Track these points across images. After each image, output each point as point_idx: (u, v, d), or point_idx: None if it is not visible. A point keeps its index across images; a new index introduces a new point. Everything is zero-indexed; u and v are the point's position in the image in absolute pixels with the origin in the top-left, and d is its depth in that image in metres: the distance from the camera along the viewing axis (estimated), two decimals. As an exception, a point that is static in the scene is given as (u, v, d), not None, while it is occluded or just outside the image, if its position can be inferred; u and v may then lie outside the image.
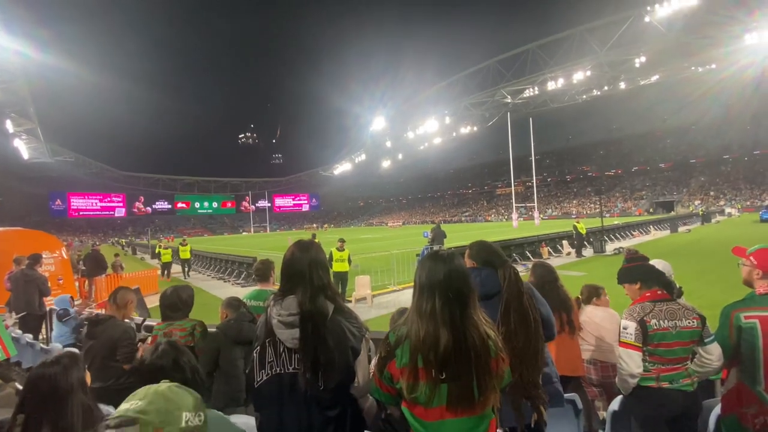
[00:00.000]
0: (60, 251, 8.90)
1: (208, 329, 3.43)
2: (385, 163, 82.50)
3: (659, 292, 2.06)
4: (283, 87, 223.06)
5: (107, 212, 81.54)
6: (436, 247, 13.24)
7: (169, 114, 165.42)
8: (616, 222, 23.42)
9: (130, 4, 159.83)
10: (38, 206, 72.45)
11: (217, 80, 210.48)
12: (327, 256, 7.39)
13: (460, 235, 28.58)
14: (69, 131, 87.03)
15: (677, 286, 2.39)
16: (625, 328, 2.04)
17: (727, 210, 39.96)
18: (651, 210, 49.40)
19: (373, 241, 30.03)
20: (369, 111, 68.56)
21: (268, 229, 79.73)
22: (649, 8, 34.30)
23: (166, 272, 14.87)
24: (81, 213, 78.17)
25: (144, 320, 4.34)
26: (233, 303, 2.93)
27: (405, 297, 8.52)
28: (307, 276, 1.46)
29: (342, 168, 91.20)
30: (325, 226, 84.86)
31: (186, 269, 15.15)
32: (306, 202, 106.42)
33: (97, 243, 22.60)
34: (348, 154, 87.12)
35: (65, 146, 68.08)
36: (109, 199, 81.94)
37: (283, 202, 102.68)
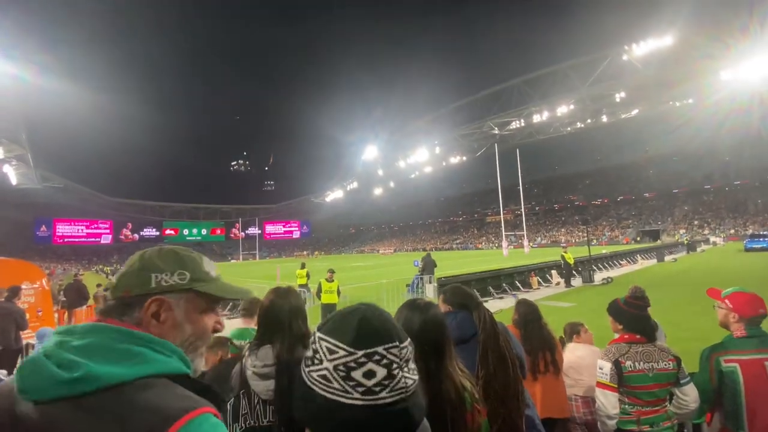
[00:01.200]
0: (41, 281, 8.66)
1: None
2: (377, 191, 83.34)
3: (638, 337, 2.09)
4: (277, 115, 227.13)
5: (93, 239, 79.86)
6: (426, 277, 13.22)
7: (160, 140, 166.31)
8: (604, 251, 23.69)
9: (124, 32, 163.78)
10: (23, 233, 70.71)
11: (209, 108, 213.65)
12: (316, 287, 7.28)
13: (452, 263, 28.59)
14: (59, 157, 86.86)
15: (654, 322, 2.41)
16: (600, 368, 2.06)
17: (712, 239, 40.78)
18: (638, 239, 50.20)
19: (363, 269, 29.79)
20: (361, 140, 70.10)
21: (257, 256, 78.65)
22: (626, 47, 36.43)
23: None
24: (66, 240, 76.43)
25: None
26: (223, 341, 2.84)
27: (394, 329, 8.40)
28: (286, 325, 1.46)
29: (334, 195, 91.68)
30: (316, 253, 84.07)
31: None
32: (297, 229, 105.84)
33: (81, 271, 21.88)
34: (340, 181, 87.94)
35: (55, 172, 67.45)
36: (95, 225, 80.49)
37: (273, 229, 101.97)
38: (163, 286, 0.73)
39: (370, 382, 0.60)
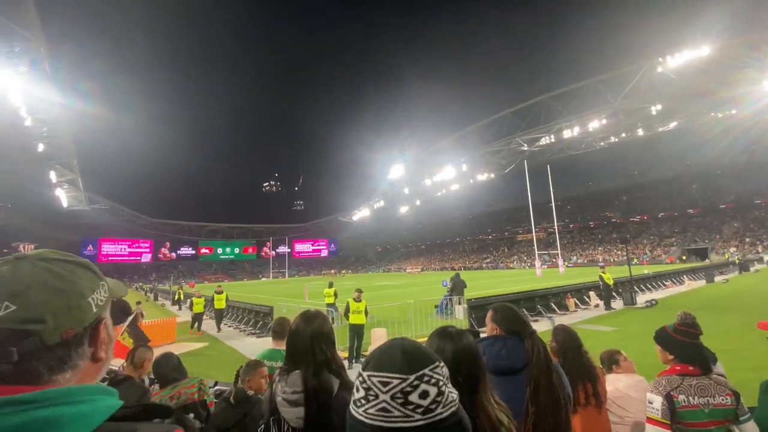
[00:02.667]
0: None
1: (223, 386, 3.37)
2: (403, 209, 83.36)
3: (691, 368, 1.93)
4: (306, 136, 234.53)
5: (134, 257, 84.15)
6: (456, 297, 12.92)
7: (197, 164, 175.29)
8: (645, 271, 22.36)
9: (162, 61, 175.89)
10: (71, 251, 73.43)
11: (243, 133, 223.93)
12: (344, 307, 7.27)
13: (482, 283, 27.87)
14: (105, 180, 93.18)
15: (711, 352, 2.21)
16: (650, 402, 1.90)
17: (766, 258, 37.67)
18: (683, 258, 47.11)
19: (390, 288, 29.56)
20: (387, 159, 70.70)
21: (287, 274, 80.00)
22: (660, 59, 35.27)
23: (197, 324, 13.22)
24: (110, 258, 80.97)
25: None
26: (256, 365, 2.86)
27: (423, 352, 8.20)
28: (311, 350, 1.45)
29: (360, 214, 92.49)
30: (343, 272, 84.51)
31: (219, 321, 13.37)
32: (325, 247, 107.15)
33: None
34: (366, 200, 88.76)
35: (101, 194, 72.33)
36: (137, 244, 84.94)
37: (302, 247, 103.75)
38: (99, 307, 0.60)
39: (426, 402, 0.66)
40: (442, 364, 0.73)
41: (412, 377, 0.67)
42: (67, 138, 41.26)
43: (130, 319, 11.40)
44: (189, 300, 15.16)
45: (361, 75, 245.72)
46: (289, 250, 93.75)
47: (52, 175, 49.79)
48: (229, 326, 13.93)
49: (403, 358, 0.70)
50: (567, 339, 2.57)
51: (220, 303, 13.39)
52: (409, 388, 0.66)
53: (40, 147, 39.63)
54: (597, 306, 13.63)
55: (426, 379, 0.68)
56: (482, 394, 1.12)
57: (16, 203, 66.30)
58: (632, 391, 2.57)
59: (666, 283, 19.79)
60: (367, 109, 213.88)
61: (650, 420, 1.86)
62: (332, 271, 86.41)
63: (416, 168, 67.15)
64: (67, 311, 0.54)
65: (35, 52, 26.15)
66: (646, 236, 57.73)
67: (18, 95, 28.10)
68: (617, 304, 13.97)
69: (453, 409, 0.69)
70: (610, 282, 13.60)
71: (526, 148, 53.66)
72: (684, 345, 1.98)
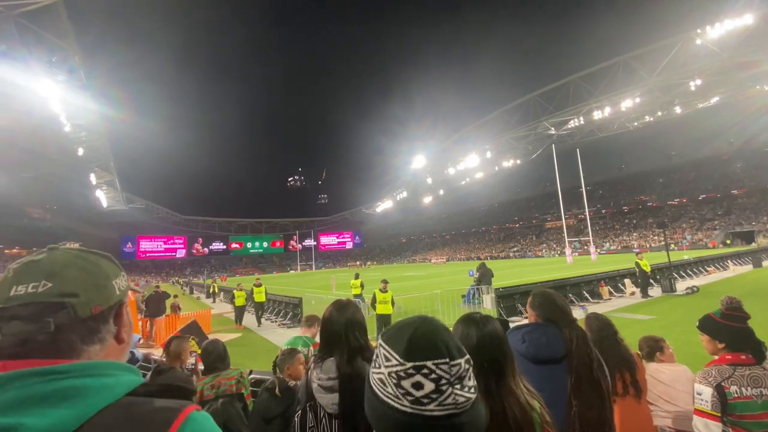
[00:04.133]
0: (130, 294, 9.65)
1: (257, 375, 3.50)
2: (427, 199, 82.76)
3: (743, 357, 1.81)
4: (329, 129, 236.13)
5: (170, 253, 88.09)
6: (483, 287, 12.77)
7: (225, 162, 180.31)
8: (686, 256, 21.25)
9: (188, 63, 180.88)
10: (112, 249, 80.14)
11: (270, 131, 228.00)
12: (370, 297, 7.39)
13: (510, 272, 27.40)
14: (140, 180, 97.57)
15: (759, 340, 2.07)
16: (699, 394, 1.81)
17: (822, 240, 34.99)
18: (728, 242, 44.41)
19: (416, 279, 29.57)
20: (410, 149, 70.18)
21: (313, 267, 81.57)
22: (699, 30, 32.89)
23: (240, 318, 13.19)
24: (148, 255, 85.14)
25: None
26: (291, 353, 2.94)
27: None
28: (344, 337, 1.47)
29: (384, 205, 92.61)
30: (368, 263, 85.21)
31: (260, 314, 13.23)
32: (350, 239, 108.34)
33: (159, 284, 24.15)
34: (389, 191, 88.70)
35: (136, 194, 75.94)
36: (172, 241, 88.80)
37: (327, 240, 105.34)
38: (121, 291, 0.67)
39: (418, 393, 0.64)
40: (455, 361, 0.68)
41: (409, 365, 0.66)
42: (103, 142, 43.39)
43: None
44: (230, 294, 15.16)
45: (384, 66, 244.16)
46: (315, 243, 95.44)
47: (92, 178, 52.66)
48: (249, 312, 14.35)
49: (409, 341, 0.68)
50: (601, 327, 2.47)
51: (259, 296, 13.29)
52: (403, 374, 0.65)
53: (80, 151, 41.86)
54: (633, 294, 13.10)
55: (425, 372, 0.65)
56: (509, 379, 1.10)
57: (60, 205, 70.77)
58: (678, 384, 2.44)
59: (708, 268, 18.75)
60: (388, 99, 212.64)
61: (699, 412, 1.77)
62: (357, 262, 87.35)
63: (439, 157, 66.30)
64: (95, 288, 0.61)
65: (71, 61, 27.45)
66: (685, 220, 54.78)
67: (57, 103, 29.69)
68: (655, 291, 13.38)
69: (451, 411, 0.65)
70: (647, 269, 13.02)
71: (553, 132, 51.79)
72: (733, 330, 1.86)
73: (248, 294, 13.86)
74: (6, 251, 59.97)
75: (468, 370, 0.70)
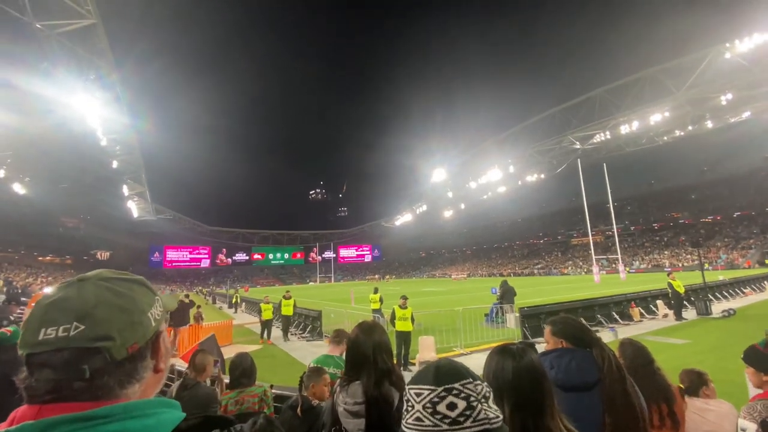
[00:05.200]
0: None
1: (278, 390, 3.45)
2: (447, 213, 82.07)
3: None
4: (351, 144, 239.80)
5: (195, 263, 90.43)
6: (506, 306, 12.41)
7: (249, 175, 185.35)
8: (720, 277, 20.11)
9: (214, 80, 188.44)
10: (140, 258, 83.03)
11: (292, 145, 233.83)
12: (390, 313, 7.28)
13: (535, 290, 26.62)
14: (168, 192, 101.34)
15: None
16: (743, 430, 1.66)
17: None
18: (766, 261, 41.90)
19: (436, 294, 29.14)
20: (430, 163, 70.04)
21: (332, 279, 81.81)
22: (728, 44, 31.88)
23: (266, 332, 12.52)
24: (174, 264, 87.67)
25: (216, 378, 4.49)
26: (318, 372, 2.88)
27: (472, 362, 7.90)
28: (371, 360, 1.43)
29: (403, 219, 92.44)
30: (387, 277, 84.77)
31: (287, 328, 12.67)
32: (369, 252, 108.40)
33: (187, 294, 24.65)
34: (409, 205, 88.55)
35: (164, 205, 78.69)
36: (197, 251, 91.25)
37: (347, 253, 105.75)
38: (157, 321, 0.64)
39: (453, 413, 0.72)
40: (478, 382, 0.77)
41: (440, 389, 0.74)
42: (136, 155, 45.46)
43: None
44: (256, 306, 14.82)
45: (405, 79, 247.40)
46: (334, 255, 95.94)
47: (125, 189, 55.07)
48: (278, 327, 13.94)
49: (434, 372, 0.78)
50: (636, 355, 2.31)
51: (287, 309, 12.72)
52: (436, 399, 0.73)
53: (114, 164, 43.98)
54: (666, 316, 12.43)
55: (455, 392, 0.73)
56: (549, 417, 1.02)
57: (93, 215, 74.17)
58: (726, 423, 2.25)
59: (744, 290, 17.67)
60: (409, 112, 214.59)
61: (750, 452, 1.62)
62: (376, 276, 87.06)
63: (460, 171, 65.91)
64: (131, 327, 0.58)
65: (108, 78, 29.14)
66: (719, 238, 52.08)
67: (95, 118, 31.45)
68: (689, 314, 12.66)
69: (485, 426, 0.72)
70: (681, 290, 12.35)
71: (578, 146, 50.74)
72: None
73: (275, 307, 13.39)
74: (40, 258, 63.02)
75: (490, 392, 0.79)
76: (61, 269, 61.83)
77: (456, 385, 0.74)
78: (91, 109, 29.48)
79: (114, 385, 0.55)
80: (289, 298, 13.01)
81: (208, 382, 4.38)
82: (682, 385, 2.58)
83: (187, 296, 13.37)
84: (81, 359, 0.52)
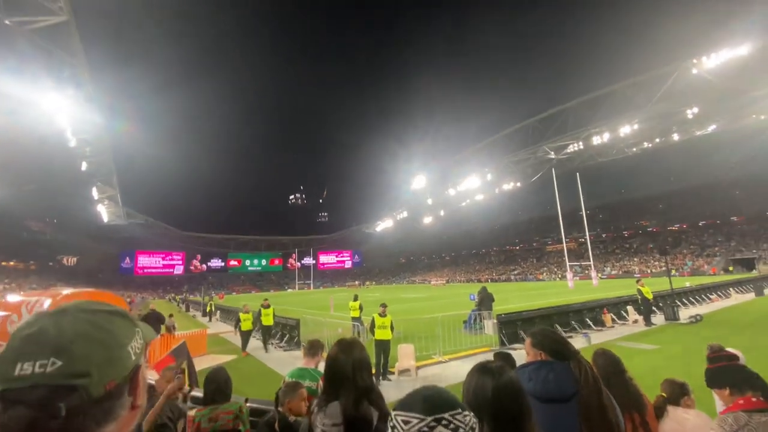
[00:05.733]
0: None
1: (254, 404, 3.37)
2: (427, 220, 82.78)
3: (754, 399, 1.76)
4: (331, 149, 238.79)
5: (168, 269, 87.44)
6: (485, 312, 12.58)
7: (225, 178, 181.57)
8: (687, 283, 21.08)
9: (189, 80, 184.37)
10: (110, 264, 79.60)
11: (269, 149, 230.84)
12: (369, 321, 7.24)
13: (511, 296, 27.09)
14: (140, 195, 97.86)
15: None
16: None
17: (824, 268, 34.78)
18: (731, 269, 44.18)
19: (416, 301, 29.22)
20: (410, 169, 70.60)
21: (312, 286, 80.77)
22: (695, 60, 33.77)
23: (245, 344, 11.87)
24: (146, 270, 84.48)
25: (189, 391, 4.34)
26: (295, 387, 2.83)
27: (451, 371, 7.98)
28: (351, 378, 1.43)
29: (384, 225, 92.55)
30: (367, 283, 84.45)
31: (267, 339, 12.11)
32: (349, 258, 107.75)
33: (151, 300, 23.79)
34: (390, 211, 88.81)
35: (136, 209, 75.83)
36: (170, 257, 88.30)
37: (327, 259, 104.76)
38: (137, 354, 0.61)
39: None
40: (466, 413, 0.76)
41: (429, 419, 0.72)
42: (107, 156, 43.77)
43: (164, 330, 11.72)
44: (234, 316, 13.90)
45: (384, 85, 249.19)
46: (314, 261, 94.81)
47: (94, 192, 52.84)
48: (257, 338, 13.47)
49: (424, 400, 0.76)
50: (607, 364, 2.37)
51: (267, 319, 12.18)
52: (425, 428, 0.71)
53: (84, 166, 42.17)
54: (636, 321, 12.91)
55: (444, 422, 0.72)
56: None
57: (61, 218, 70.77)
58: None
59: (711, 296, 18.57)
60: (390, 120, 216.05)
61: (716, 462, 1.70)
62: (356, 282, 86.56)
63: (440, 178, 66.76)
64: (110, 363, 0.55)
65: (80, 77, 28.06)
66: (686, 246, 54.69)
67: (64, 118, 30.17)
68: (658, 319, 13.19)
69: None
70: (649, 296, 12.87)
71: (553, 156, 52.36)
72: (726, 371, 1.86)
73: (255, 316, 12.79)
74: (3, 263, 59.55)
75: (476, 422, 0.78)
76: (24, 275, 58.58)
77: (446, 416, 0.73)
78: (60, 109, 28.27)
79: (90, 424, 0.52)
80: (268, 306, 12.44)
81: (180, 397, 4.24)
82: (664, 394, 2.65)
83: (149, 306, 12.69)
84: (57, 397, 0.49)
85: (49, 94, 26.27)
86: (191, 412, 2.70)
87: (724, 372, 1.89)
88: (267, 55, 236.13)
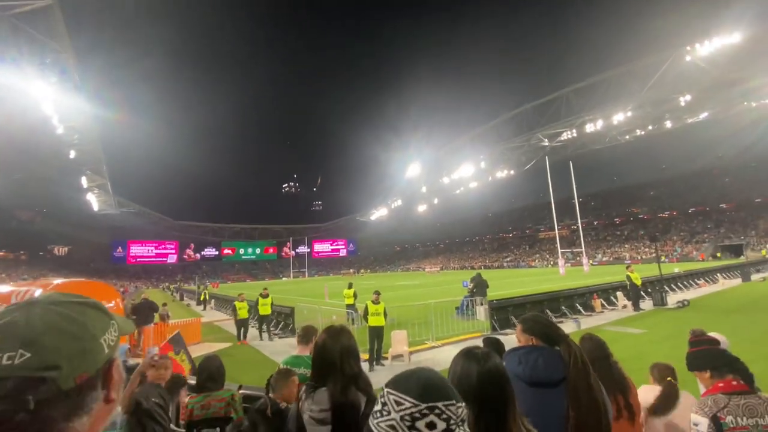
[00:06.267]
0: (116, 301, 9.45)
1: (248, 391, 3.39)
2: (421, 208, 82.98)
3: (734, 383, 1.80)
4: (324, 138, 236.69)
5: (161, 259, 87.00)
6: (477, 298, 12.73)
7: (219, 167, 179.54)
8: (676, 269, 21.46)
9: (181, 68, 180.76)
10: (102, 253, 78.93)
11: (264, 137, 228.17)
12: (363, 308, 7.30)
13: (504, 282, 27.42)
14: (131, 184, 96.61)
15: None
16: (696, 425, 1.79)
17: (809, 254, 35.61)
18: (719, 255, 45.03)
19: (410, 288, 29.47)
20: (404, 158, 70.44)
21: (306, 274, 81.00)
22: (688, 48, 33.74)
23: (242, 332, 11.65)
24: (138, 259, 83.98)
25: (184, 380, 4.35)
26: (287, 373, 2.85)
27: (443, 355, 8.10)
28: (338, 366, 1.43)
29: (378, 213, 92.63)
30: (362, 271, 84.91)
31: (265, 329, 11.93)
32: (343, 247, 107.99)
33: (144, 290, 23.70)
34: (384, 199, 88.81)
35: (128, 198, 75.00)
36: (163, 246, 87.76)
37: (321, 247, 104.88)
38: (111, 348, 0.59)
39: None
40: (460, 404, 0.74)
41: (423, 406, 0.70)
42: (96, 145, 42.97)
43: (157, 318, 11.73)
44: (230, 305, 13.70)
45: (378, 74, 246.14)
46: (309, 250, 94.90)
47: (84, 181, 52.04)
48: (252, 326, 13.37)
49: (420, 385, 0.73)
50: (593, 348, 2.43)
51: (265, 308, 11.89)
52: (418, 415, 0.69)
53: (72, 154, 41.41)
54: (625, 307, 13.16)
55: (437, 412, 0.70)
56: (511, 420, 1.05)
57: (50, 208, 69.69)
58: (689, 415, 2.41)
59: (698, 282, 18.94)
60: (384, 108, 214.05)
61: (695, 443, 1.76)
62: (351, 270, 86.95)
63: (434, 166, 66.68)
64: (81, 355, 0.53)
65: (65, 63, 27.29)
66: (675, 232, 55.55)
67: (50, 105, 29.43)
68: (646, 304, 13.45)
69: None
70: (638, 282, 13.11)
71: (547, 144, 52.45)
72: (706, 354, 1.91)
73: (251, 305, 12.64)
74: (-8, 254, 58.82)
75: (467, 414, 0.75)
76: (15, 265, 57.95)
77: (440, 405, 0.71)
78: (46, 96, 27.56)
79: (59, 418, 0.50)
80: (267, 296, 12.16)
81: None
82: (671, 379, 2.68)
83: (142, 294, 12.56)
84: (25, 389, 0.48)
85: (33, 81, 25.60)
86: (185, 400, 2.72)
87: (705, 355, 1.94)
88: (259, 44, 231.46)
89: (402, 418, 0.70)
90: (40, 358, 0.50)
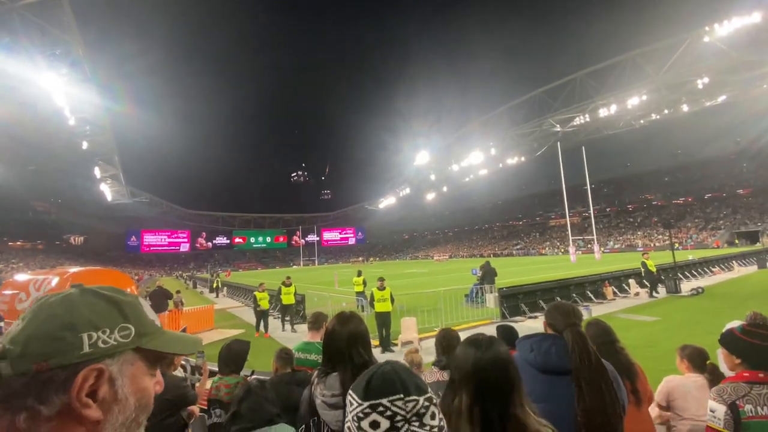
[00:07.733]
0: (130, 288, 9.68)
1: (261, 376, 3.48)
2: (430, 196, 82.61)
3: (761, 375, 1.75)
4: (332, 125, 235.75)
5: (174, 247, 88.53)
6: (487, 286, 12.71)
7: (230, 156, 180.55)
8: (690, 256, 21.08)
9: (190, 59, 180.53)
10: (116, 243, 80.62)
11: (273, 127, 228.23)
12: (369, 297, 7.35)
13: (513, 270, 27.33)
14: (144, 174, 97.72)
15: None
16: (712, 411, 1.75)
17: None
18: (736, 241, 44.05)
19: (419, 276, 29.58)
20: (413, 146, 69.83)
21: (316, 262, 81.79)
22: (707, 28, 32.46)
23: (262, 324, 10.80)
24: (152, 248, 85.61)
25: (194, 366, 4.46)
26: (283, 356, 2.97)
27: (454, 341, 8.15)
28: (347, 353, 1.43)
29: (387, 202, 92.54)
30: (371, 259, 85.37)
31: (288, 319, 11.40)
32: (352, 235, 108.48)
33: (158, 278, 24.22)
34: (392, 187, 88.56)
35: (140, 188, 76.04)
36: (176, 235, 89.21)
37: (330, 236, 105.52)
38: (100, 350, 0.49)
39: None
40: (412, 398, 0.67)
41: (366, 404, 0.67)
42: (107, 136, 43.47)
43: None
44: (251, 295, 13.23)
45: (387, 60, 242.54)
46: (318, 238, 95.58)
47: (97, 171, 52.85)
48: (275, 317, 12.72)
49: (367, 382, 0.70)
50: (598, 333, 2.40)
51: (288, 297, 11.32)
52: (361, 414, 0.67)
53: (84, 145, 41.97)
54: (637, 294, 13.03)
55: (380, 409, 0.66)
56: (515, 406, 1.04)
57: (65, 199, 71.13)
58: (694, 390, 2.40)
59: (713, 269, 18.61)
60: (393, 95, 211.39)
61: (711, 429, 1.72)
62: (360, 258, 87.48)
63: (442, 154, 66.05)
64: (45, 340, 0.47)
65: (75, 54, 27.45)
66: (690, 219, 54.45)
67: (61, 96, 29.73)
68: (660, 292, 13.30)
69: None
70: (654, 269, 12.93)
71: (558, 129, 51.43)
72: (754, 348, 1.80)
73: (272, 295, 12.09)
74: (10, 244, 60.45)
75: (428, 408, 0.68)
76: (32, 254, 59.50)
77: (384, 401, 0.66)
78: (57, 87, 27.84)
79: (9, 412, 0.44)
80: (290, 284, 11.49)
81: (189, 369, 4.36)
82: (690, 362, 2.70)
83: (156, 283, 12.82)
84: None
85: (43, 72, 25.79)
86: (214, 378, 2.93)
87: (751, 349, 1.80)
88: (267, 33, 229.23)
89: (352, 418, 0.68)
90: (12, 335, 0.47)
